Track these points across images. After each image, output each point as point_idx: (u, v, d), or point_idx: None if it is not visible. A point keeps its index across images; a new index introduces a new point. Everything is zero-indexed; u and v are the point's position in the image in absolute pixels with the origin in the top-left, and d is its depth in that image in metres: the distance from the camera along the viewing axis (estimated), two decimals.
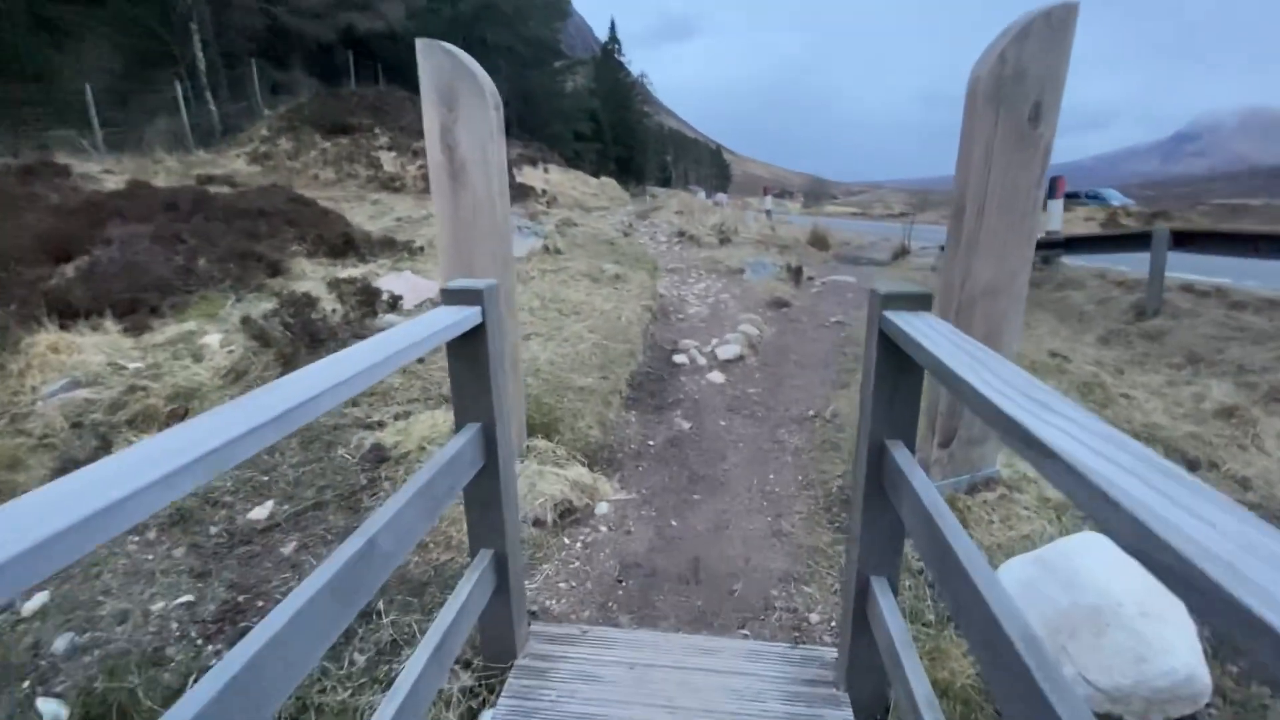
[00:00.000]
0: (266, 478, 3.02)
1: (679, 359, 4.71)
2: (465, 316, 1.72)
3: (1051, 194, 7.01)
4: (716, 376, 4.46)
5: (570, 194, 17.23)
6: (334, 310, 4.26)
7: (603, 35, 53.76)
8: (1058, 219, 7.06)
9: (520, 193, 14.78)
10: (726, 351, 4.75)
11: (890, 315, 1.57)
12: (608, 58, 52.70)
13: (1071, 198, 33.15)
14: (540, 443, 3.26)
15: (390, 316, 4.51)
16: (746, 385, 4.38)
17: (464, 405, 1.82)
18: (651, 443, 3.60)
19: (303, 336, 3.85)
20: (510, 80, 34.75)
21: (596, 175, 30.81)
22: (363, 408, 3.56)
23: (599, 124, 45.27)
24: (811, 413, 3.94)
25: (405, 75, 25.79)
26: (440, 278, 3.11)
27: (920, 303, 1.59)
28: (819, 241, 10.42)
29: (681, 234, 8.69)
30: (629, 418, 3.87)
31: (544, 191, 15.71)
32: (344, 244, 5.67)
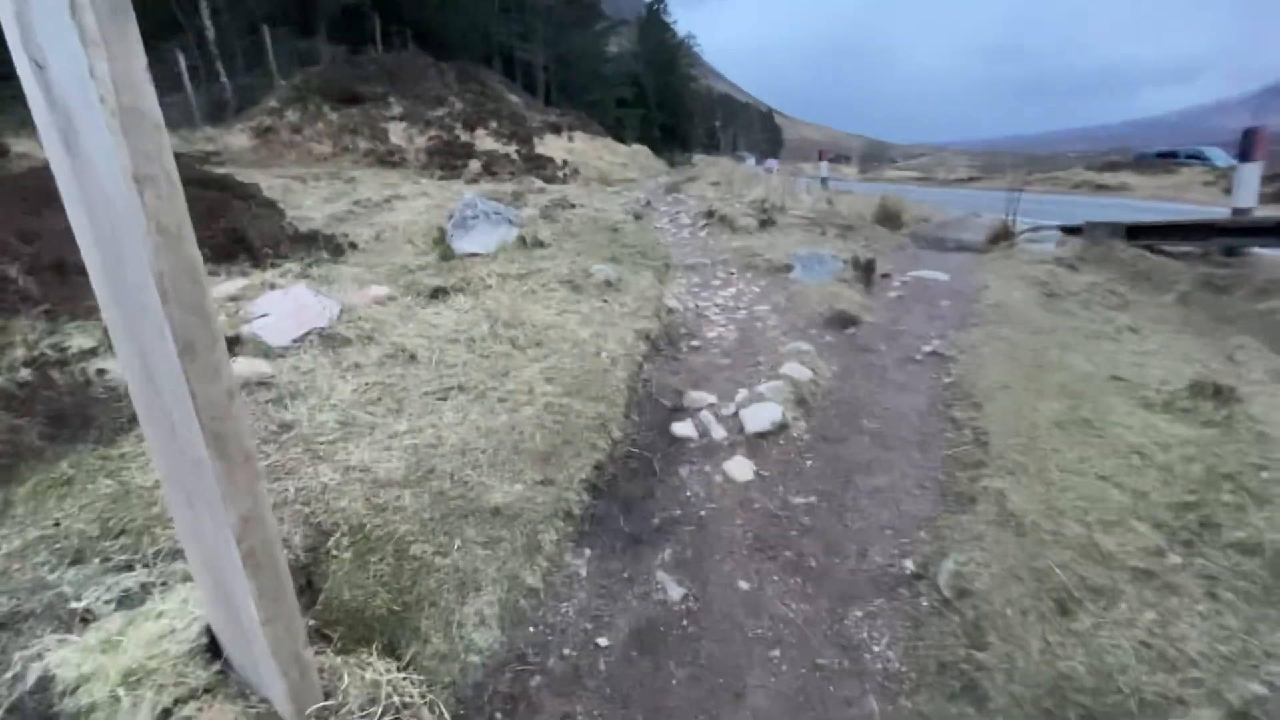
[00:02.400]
0: None
1: (682, 429, 2.99)
2: None
3: (1246, 153, 4.85)
4: (740, 467, 2.72)
5: (595, 165, 15.43)
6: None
7: None
8: (1253, 190, 4.89)
9: (536, 164, 13.11)
10: (759, 415, 2.99)
11: None
12: (652, 18, 49.99)
13: (1168, 157, 29.13)
14: (369, 676, 1.64)
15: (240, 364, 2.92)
16: (790, 488, 2.63)
17: None
18: (604, 641, 1.92)
19: (41, 421, 2.31)
20: (548, 43, 33.01)
21: (641, 143, 28.84)
22: (87, 566, 1.99)
23: (643, 89, 43.23)
24: (909, 566, 2.18)
25: (435, 40, 24.28)
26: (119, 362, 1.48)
27: None
28: (890, 218, 8.36)
29: (710, 214, 6.83)
30: (576, 567, 2.20)
31: (565, 163, 13.99)
32: (232, 244, 4.13)
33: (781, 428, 2.98)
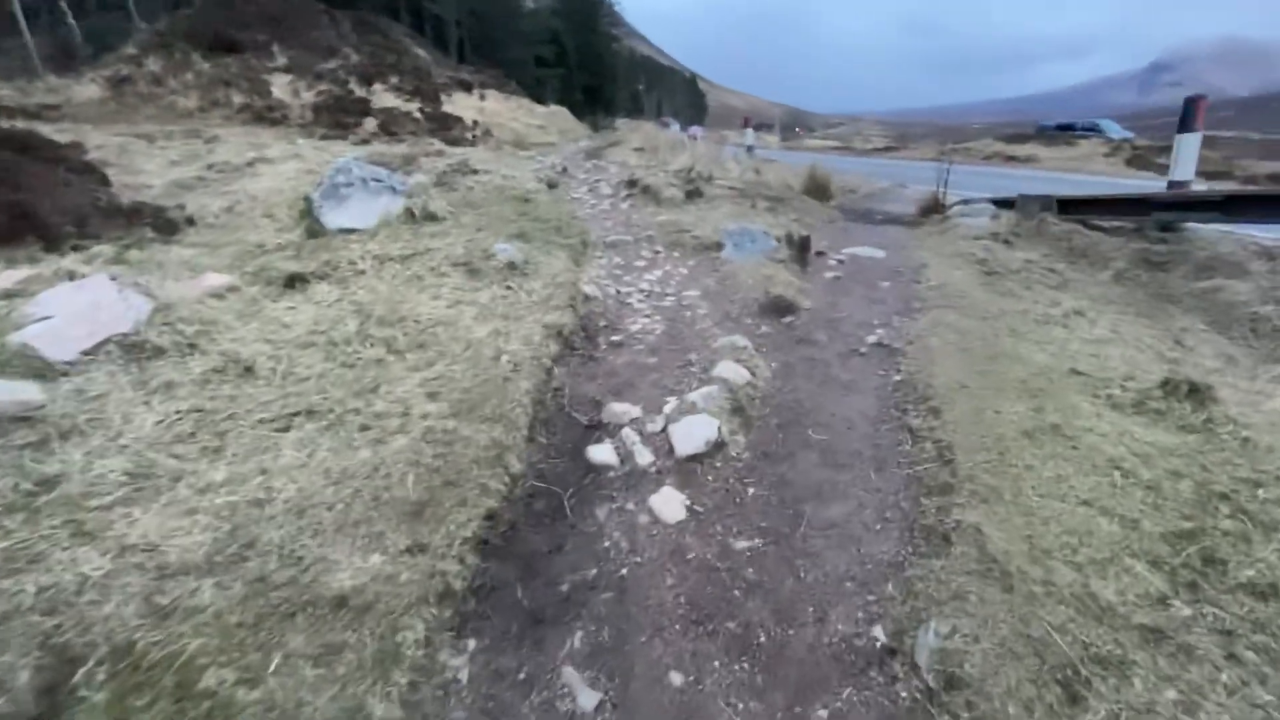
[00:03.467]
0: None
1: (600, 454, 2.45)
2: None
3: (1186, 122, 4.72)
4: (671, 503, 2.22)
5: (510, 126, 14.36)
6: None
7: None
8: (1191, 162, 4.79)
9: (442, 125, 11.98)
10: (692, 432, 2.50)
11: None
12: None
13: (1067, 129, 30.75)
14: None
15: None
16: (730, 528, 2.16)
17: None
18: None
19: None
20: None
21: (562, 105, 27.57)
22: None
23: (563, 49, 41.51)
24: (880, 636, 1.76)
25: None
26: None
27: None
28: (818, 189, 8.02)
29: (633, 184, 6.23)
30: (454, 670, 1.65)
31: (475, 123, 12.89)
32: (15, 221, 3.18)
33: (718, 446, 2.49)
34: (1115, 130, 28.36)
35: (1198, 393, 2.60)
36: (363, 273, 3.49)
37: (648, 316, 3.60)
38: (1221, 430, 2.44)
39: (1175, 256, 4.47)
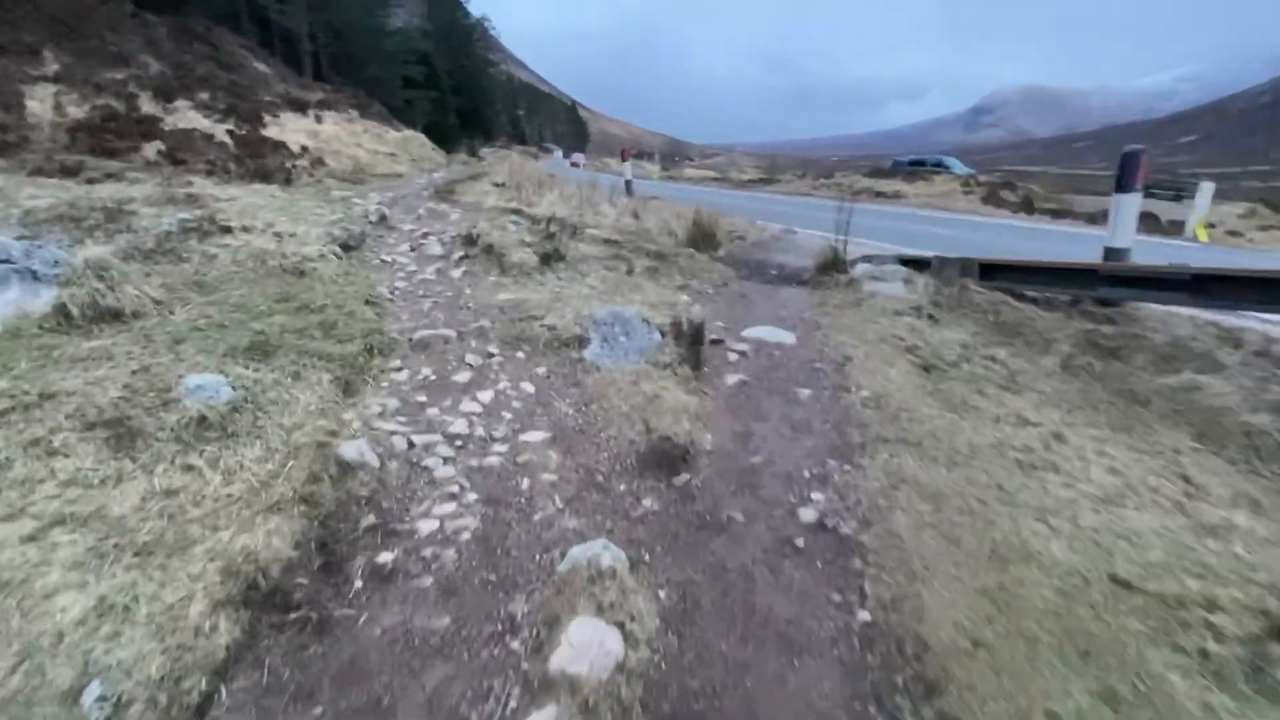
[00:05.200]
0: None
1: None
2: None
3: (1125, 182, 4.06)
4: None
5: (351, 154, 12.34)
6: None
7: None
8: (1131, 226, 4.15)
9: (255, 152, 9.83)
10: None
11: None
12: None
13: (918, 165, 33.29)
14: None
15: None
16: None
17: None
18: None
19: None
20: (315, 9, 28.43)
21: (435, 129, 25.61)
22: None
23: (434, 70, 39.66)
24: None
25: None
26: None
27: None
28: (705, 238, 6.98)
29: (472, 242, 4.74)
30: None
31: (304, 150, 10.83)
32: None
33: None
34: (958, 167, 30.99)
35: None
36: None
37: (454, 498, 2.16)
38: None
39: (1128, 341, 3.73)
